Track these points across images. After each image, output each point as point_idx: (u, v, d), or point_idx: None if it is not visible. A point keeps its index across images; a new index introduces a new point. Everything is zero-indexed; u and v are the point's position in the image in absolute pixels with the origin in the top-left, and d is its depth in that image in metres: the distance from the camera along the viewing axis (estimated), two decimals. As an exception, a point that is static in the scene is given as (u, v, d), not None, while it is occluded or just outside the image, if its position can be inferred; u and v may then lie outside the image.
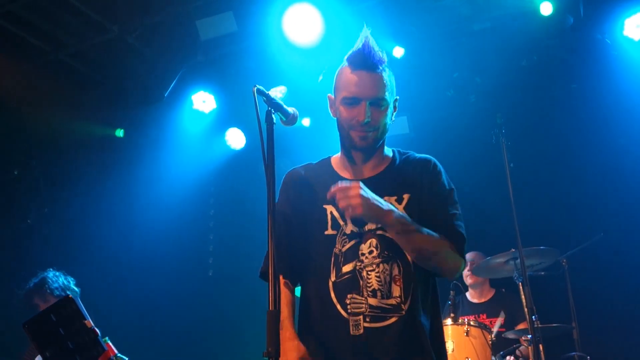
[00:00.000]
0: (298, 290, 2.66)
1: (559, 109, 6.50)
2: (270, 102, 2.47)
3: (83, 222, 7.19)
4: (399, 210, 2.40)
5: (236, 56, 6.60)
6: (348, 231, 2.52)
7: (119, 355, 2.55)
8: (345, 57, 2.53)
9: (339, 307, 2.45)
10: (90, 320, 2.34)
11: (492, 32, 6.16)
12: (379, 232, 2.49)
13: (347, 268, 2.49)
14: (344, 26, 5.78)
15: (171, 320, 7.20)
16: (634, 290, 5.22)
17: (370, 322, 2.40)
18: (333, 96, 2.59)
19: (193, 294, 7.40)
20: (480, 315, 5.76)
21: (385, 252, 2.47)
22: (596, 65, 6.22)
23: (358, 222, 2.51)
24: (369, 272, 2.46)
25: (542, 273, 5.49)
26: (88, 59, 6.83)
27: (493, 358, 4.90)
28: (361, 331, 2.39)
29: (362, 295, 2.44)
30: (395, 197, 2.51)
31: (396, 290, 2.44)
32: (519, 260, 4.61)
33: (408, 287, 2.44)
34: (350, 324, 2.41)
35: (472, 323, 4.93)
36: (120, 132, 7.58)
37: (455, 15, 6.19)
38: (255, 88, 2.52)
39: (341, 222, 2.53)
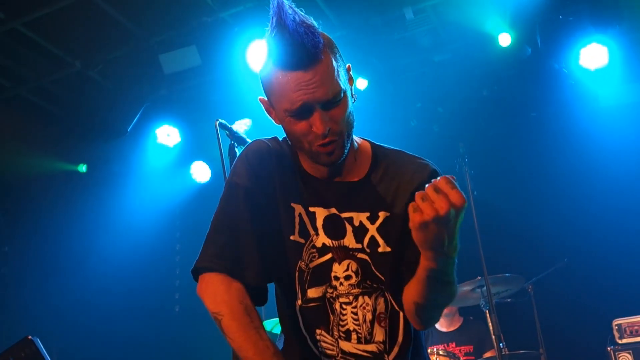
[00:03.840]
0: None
1: (519, 137, 6.62)
2: (233, 135, 2.47)
3: (44, 260, 7.03)
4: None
5: (200, 89, 6.60)
6: (319, 244, 1.87)
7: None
8: (269, 55, 1.77)
9: (309, 340, 1.89)
10: (50, 362, 2.28)
11: (453, 62, 6.29)
12: (360, 255, 1.86)
13: (313, 293, 1.88)
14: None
15: (138, 358, 7.04)
16: (599, 315, 5.27)
17: None
18: (267, 99, 1.85)
19: (159, 331, 7.25)
20: (449, 344, 5.75)
21: (368, 282, 1.86)
22: (554, 94, 6.38)
23: (334, 232, 1.88)
24: (344, 306, 1.86)
25: (509, 300, 5.53)
26: (49, 94, 6.75)
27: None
28: None
29: (332, 335, 1.87)
30: (368, 214, 1.88)
31: (379, 334, 1.85)
32: (485, 288, 4.63)
33: (395, 331, 1.85)
34: None
35: (440, 352, 4.92)
36: (83, 168, 7.50)
37: (416, 47, 6.30)
38: (218, 122, 2.51)
39: (311, 230, 1.88)
